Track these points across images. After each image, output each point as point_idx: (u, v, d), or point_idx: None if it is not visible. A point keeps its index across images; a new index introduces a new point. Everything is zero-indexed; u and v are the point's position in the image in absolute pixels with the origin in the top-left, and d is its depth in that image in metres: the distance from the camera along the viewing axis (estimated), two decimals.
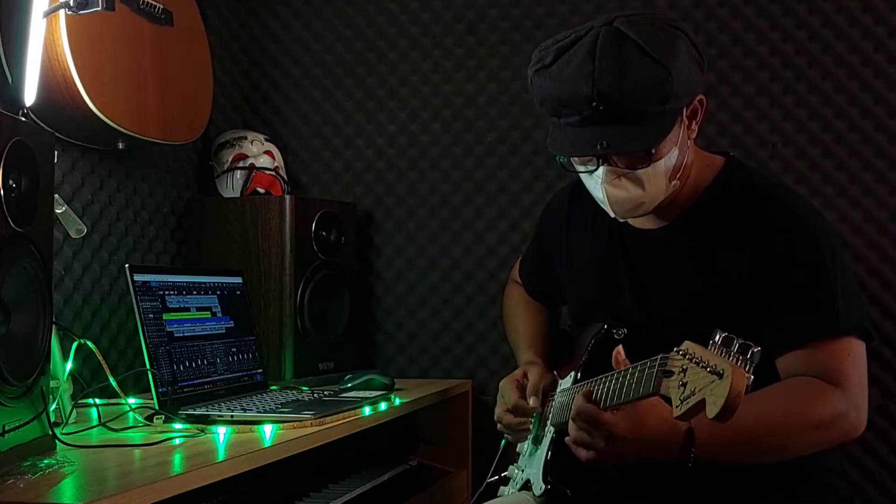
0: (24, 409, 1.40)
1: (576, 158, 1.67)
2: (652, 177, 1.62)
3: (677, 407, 1.27)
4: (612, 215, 1.70)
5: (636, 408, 1.48)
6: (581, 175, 1.69)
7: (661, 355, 1.36)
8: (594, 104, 1.55)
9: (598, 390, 1.52)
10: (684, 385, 1.26)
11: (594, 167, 1.64)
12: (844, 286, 1.62)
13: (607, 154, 1.60)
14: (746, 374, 1.20)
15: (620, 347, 1.52)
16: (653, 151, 1.59)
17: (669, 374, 1.31)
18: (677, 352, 1.31)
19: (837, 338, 1.60)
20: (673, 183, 1.66)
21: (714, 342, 1.25)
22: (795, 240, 1.63)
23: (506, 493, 1.90)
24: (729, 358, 1.22)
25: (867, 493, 2.43)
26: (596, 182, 1.66)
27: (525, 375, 1.88)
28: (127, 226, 2.39)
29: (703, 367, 1.24)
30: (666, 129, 1.60)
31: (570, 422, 1.54)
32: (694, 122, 1.67)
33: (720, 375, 1.20)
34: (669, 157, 1.63)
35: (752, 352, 1.23)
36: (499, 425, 1.90)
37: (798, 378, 1.59)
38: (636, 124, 1.58)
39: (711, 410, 1.20)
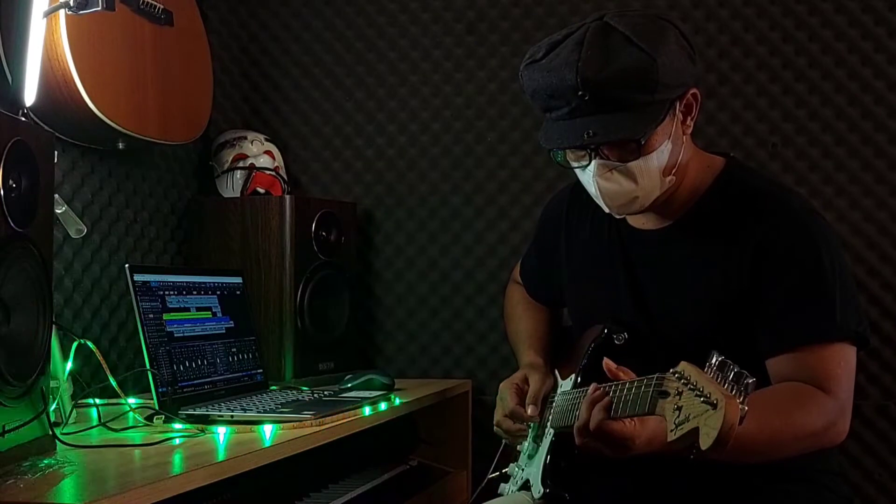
0: (24, 409, 1.40)
1: (571, 154, 1.67)
2: (644, 170, 1.62)
3: (672, 431, 1.26)
4: (607, 210, 1.70)
5: (648, 422, 1.46)
6: (577, 172, 1.69)
7: (657, 375, 1.35)
8: (580, 93, 1.56)
9: None
10: (679, 409, 1.25)
11: (587, 162, 1.64)
12: (842, 289, 1.62)
13: (594, 143, 1.59)
14: (740, 406, 1.19)
15: (608, 360, 1.51)
16: (642, 142, 1.59)
17: (665, 395, 1.30)
18: (673, 373, 1.30)
19: (831, 343, 1.60)
20: (668, 178, 1.66)
21: (710, 365, 1.24)
22: (795, 241, 1.63)
23: (506, 490, 1.90)
24: (724, 385, 1.21)
25: (867, 493, 2.43)
26: (589, 176, 1.66)
27: (526, 380, 1.86)
28: (127, 226, 2.39)
29: (697, 393, 1.23)
30: (655, 119, 1.59)
31: (579, 432, 1.51)
32: (689, 118, 1.67)
33: (714, 406, 1.19)
34: (662, 151, 1.63)
35: (747, 382, 1.22)
36: (496, 429, 1.90)
37: (792, 384, 1.58)
38: (624, 113, 1.57)
39: (705, 442, 1.19)
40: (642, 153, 1.60)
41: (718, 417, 1.17)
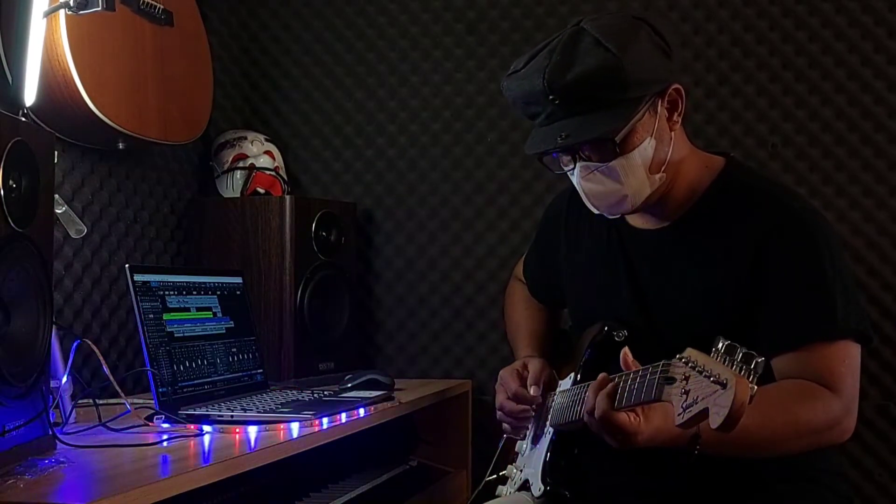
0: (24, 409, 1.40)
1: (561, 160, 1.67)
2: (628, 169, 1.62)
3: (679, 415, 1.25)
4: (596, 211, 1.70)
5: (654, 412, 1.46)
6: (569, 177, 1.70)
7: (663, 361, 1.34)
8: (550, 97, 1.58)
9: None
10: (687, 393, 1.25)
11: (572, 166, 1.65)
12: (844, 288, 1.61)
13: (567, 144, 1.60)
14: (750, 385, 1.19)
15: (627, 349, 1.49)
16: (617, 140, 1.58)
17: (671, 381, 1.30)
18: (680, 359, 1.30)
19: (834, 341, 1.59)
20: (658, 176, 1.65)
21: (717, 349, 1.24)
22: (795, 240, 1.63)
23: (504, 492, 1.90)
24: (732, 367, 1.21)
25: (867, 493, 2.43)
26: (576, 180, 1.67)
27: (525, 367, 1.88)
28: (127, 226, 2.40)
29: (705, 375, 1.22)
30: (627, 116, 1.58)
31: (588, 419, 1.50)
32: (675, 114, 1.66)
33: (723, 385, 1.19)
34: (645, 149, 1.62)
35: (756, 362, 1.21)
36: (499, 413, 1.89)
37: (796, 381, 1.58)
38: (598, 114, 1.58)
39: (715, 421, 1.19)
40: (622, 152, 1.60)
41: (729, 396, 1.17)
